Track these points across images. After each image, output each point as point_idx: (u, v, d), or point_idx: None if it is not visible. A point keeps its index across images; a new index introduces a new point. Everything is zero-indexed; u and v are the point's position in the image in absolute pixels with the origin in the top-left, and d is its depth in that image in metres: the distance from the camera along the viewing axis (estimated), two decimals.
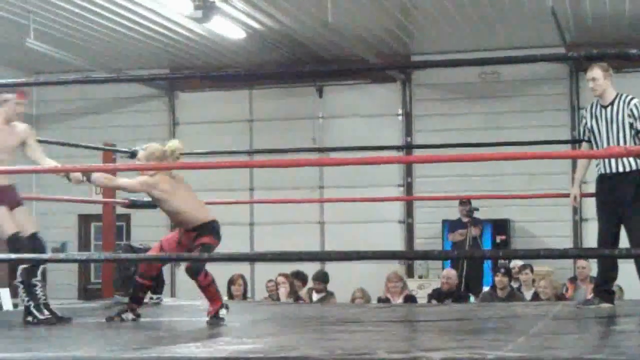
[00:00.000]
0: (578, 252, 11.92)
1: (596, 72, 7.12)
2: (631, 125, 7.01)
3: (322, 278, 12.16)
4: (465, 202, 13.76)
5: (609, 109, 7.11)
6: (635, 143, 6.96)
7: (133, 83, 16.23)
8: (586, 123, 7.29)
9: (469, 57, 13.70)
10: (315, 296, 12.14)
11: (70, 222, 16.99)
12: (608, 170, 7.09)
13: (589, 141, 7.28)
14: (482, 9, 13.12)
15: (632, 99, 7.10)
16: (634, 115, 7.02)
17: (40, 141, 6.89)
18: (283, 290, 11.88)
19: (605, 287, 7.25)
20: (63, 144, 8.89)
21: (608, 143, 7.06)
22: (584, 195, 7.49)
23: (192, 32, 14.03)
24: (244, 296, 12.28)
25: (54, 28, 13.46)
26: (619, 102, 7.09)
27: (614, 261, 7.22)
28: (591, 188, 7.52)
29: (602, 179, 7.18)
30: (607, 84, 7.15)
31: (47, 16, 12.88)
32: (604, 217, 7.20)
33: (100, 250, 10.19)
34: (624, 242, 7.15)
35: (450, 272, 11.89)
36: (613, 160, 7.04)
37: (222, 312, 6.65)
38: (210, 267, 6.71)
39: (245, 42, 14.30)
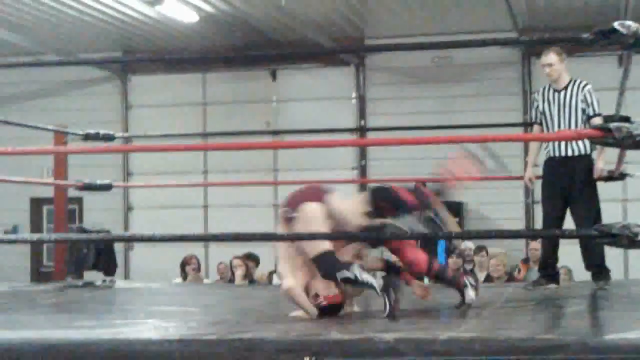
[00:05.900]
0: (529, 233, 12.03)
1: (551, 57, 7.17)
2: (583, 110, 7.09)
3: None
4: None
5: (562, 93, 7.17)
6: (585, 128, 7.01)
7: (85, 66, 16.08)
8: (538, 106, 7.34)
9: (422, 41, 13.74)
10: (276, 280, 12.13)
11: (22, 205, 16.82)
12: (557, 154, 7.17)
13: (540, 124, 7.34)
14: None
15: (586, 84, 7.16)
16: (586, 101, 7.09)
17: None
18: (240, 272, 11.86)
19: (550, 268, 7.35)
20: (12, 124, 8.71)
21: (559, 127, 7.13)
22: (538, 177, 7.54)
23: (145, 15, 13.92)
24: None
25: (3, 10, 13.28)
26: (572, 87, 7.16)
27: (556, 243, 7.32)
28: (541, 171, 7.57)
29: (551, 162, 7.25)
30: (562, 69, 7.20)
31: None
32: (550, 200, 7.28)
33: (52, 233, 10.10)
34: (567, 225, 7.26)
35: None
36: (563, 144, 7.11)
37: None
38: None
39: (198, 25, 14.24)
